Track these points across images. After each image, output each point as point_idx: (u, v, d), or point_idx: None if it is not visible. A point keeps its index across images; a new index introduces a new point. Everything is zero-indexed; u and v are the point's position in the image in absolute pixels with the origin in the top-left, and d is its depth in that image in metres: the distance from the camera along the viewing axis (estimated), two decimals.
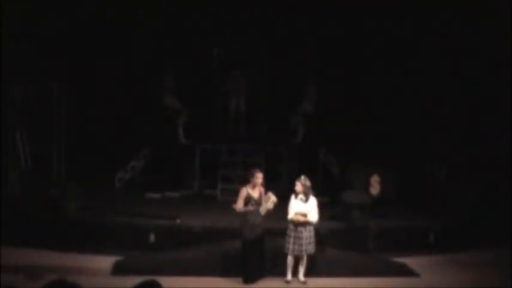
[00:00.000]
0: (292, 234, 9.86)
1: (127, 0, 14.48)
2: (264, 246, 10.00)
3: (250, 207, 9.78)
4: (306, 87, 15.24)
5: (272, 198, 9.82)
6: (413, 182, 14.03)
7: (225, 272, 10.13)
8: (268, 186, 10.43)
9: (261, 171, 10.26)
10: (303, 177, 10.05)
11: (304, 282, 9.97)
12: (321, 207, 10.24)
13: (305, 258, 9.97)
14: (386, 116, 14.80)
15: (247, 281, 9.83)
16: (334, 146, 15.08)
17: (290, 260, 9.97)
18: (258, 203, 9.82)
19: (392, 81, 14.64)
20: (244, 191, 9.87)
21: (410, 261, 11.09)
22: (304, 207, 9.91)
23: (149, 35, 14.63)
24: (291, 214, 9.88)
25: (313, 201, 9.99)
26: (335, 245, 11.16)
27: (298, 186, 9.97)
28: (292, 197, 10.02)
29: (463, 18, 13.40)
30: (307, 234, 9.88)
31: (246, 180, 10.05)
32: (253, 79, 15.50)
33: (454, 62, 13.73)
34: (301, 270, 10.02)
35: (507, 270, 9.95)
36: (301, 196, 9.94)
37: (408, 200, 13.47)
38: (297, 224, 9.85)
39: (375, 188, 13.19)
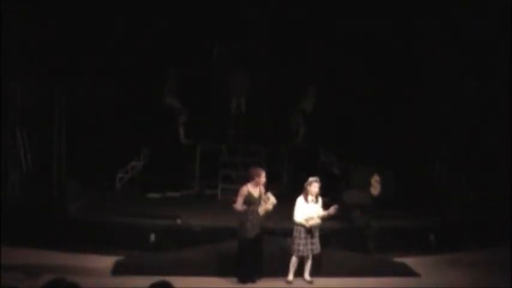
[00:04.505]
0: (304, 235, 9.77)
1: (128, 1, 14.47)
2: (262, 246, 9.99)
3: (245, 206, 9.76)
4: (306, 86, 15.26)
5: (271, 200, 9.79)
6: (413, 182, 14.04)
7: (225, 272, 10.12)
8: (268, 186, 10.41)
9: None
10: (316, 178, 9.96)
11: (311, 282, 9.96)
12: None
13: (310, 257, 9.97)
14: (386, 115, 14.81)
15: (243, 280, 9.82)
16: (334, 146, 15.08)
17: (295, 260, 9.93)
18: (258, 202, 9.81)
19: (392, 81, 14.64)
20: (245, 190, 9.82)
21: (410, 261, 11.08)
22: (316, 210, 9.87)
23: (150, 35, 14.62)
24: (306, 219, 9.72)
25: (320, 201, 9.99)
26: (335, 245, 11.16)
27: (316, 188, 9.84)
28: (301, 199, 9.84)
29: (463, 16, 13.40)
30: (318, 233, 9.90)
31: (247, 180, 10.04)
32: (254, 79, 15.50)
33: (454, 62, 13.72)
34: (308, 270, 10.00)
35: (507, 270, 9.96)
36: (312, 198, 9.88)
37: (408, 200, 13.47)
38: (311, 226, 9.82)
39: (375, 188, 13.17)
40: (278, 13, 14.91)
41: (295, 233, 9.82)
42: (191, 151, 15.01)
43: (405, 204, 13.32)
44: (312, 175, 10.14)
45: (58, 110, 13.38)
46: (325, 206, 10.07)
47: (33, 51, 12.90)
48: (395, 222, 12.21)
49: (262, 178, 9.90)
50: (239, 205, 9.77)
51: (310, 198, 9.85)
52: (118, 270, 10.22)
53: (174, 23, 14.77)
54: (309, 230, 9.80)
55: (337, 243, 11.22)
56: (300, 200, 9.86)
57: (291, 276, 9.96)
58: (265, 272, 10.02)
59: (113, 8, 14.05)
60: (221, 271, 10.16)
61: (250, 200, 9.77)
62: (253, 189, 9.86)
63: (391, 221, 12.26)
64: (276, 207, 9.85)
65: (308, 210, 9.81)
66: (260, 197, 9.83)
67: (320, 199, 9.98)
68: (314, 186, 9.83)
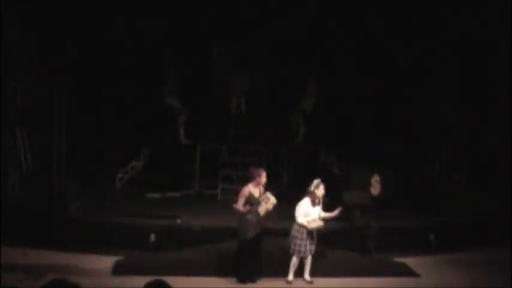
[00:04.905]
0: (305, 236, 9.79)
1: (128, 1, 14.47)
2: (262, 246, 9.98)
3: (248, 207, 9.76)
4: (306, 86, 15.25)
5: (272, 200, 9.79)
6: (413, 182, 14.03)
7: (224, 272, 10.13)
8: (268, 186, 10.42)
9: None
10: (320, 180, 9.95)
11: (311, 282, 9.97)
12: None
13: (310, 257, 9.97)
14: (386, 115, 14.80)
15: (242, 280, 9.83)
16: (334, 146, 15.08)
17: (295, 261, 9.94)
18: (258, 202, 9.81)
19: (392, 81, 14.64)
20: (247, 190, 9.81)
21: (410, 261, 11.09)
22: (318, 212, 9.87)
23: (150, 35, 14.62)
24: (309, 221, 9.74)
25: (321, 202, 9.98)
26: (335, 245, 11.16)
27: (323, 190, 9.86)
28: (307, 202, 9.83)
29: (463, 16, 13.39)
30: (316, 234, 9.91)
31: (247, 180, 10.03)
32: (254, 79, 15.49)
33: (454, 62, 13.72)
34: (308, 270, 10.01)
35: (507, 270, 9.96)
36: (317, 201, 9.87)
37: (408, 200, 13.46)
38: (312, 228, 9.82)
39: (375, 188, 13.16)
40: (278, 13, 14.90)
41: (297, 234, 9.82)
42: (191, 151, 15.00)
43: (405, 204, 13.31)
44: (312, 175, 10.14)
45: (58, 110, 13.38)
46: (326, 207, 10.07)
47: (33, 51, 12.90)
48: (395, 222, 12.21)
49: (263, 178, 9.90)
50: (241, 206, 9.77)
51: (316, 201, 9.86)
52: (118, 270, 10.22)
53: (174, 23, 14.76)
54: (310, 231, 9.81)
55: (337, 243, 11.22)
56: (306, 203, 9.84)
57: (291, 276, 9.97)
58: (265, 272, 10.02)
59: (112, 8, 14.04)
60: (221, 271, 10.17)
61: (251, 200, 9.77)
62: (254, 189, 9.86)
63: (391, 221, 12.26)
64: (276, 207, 9.85)
65: (313, 213, 9.82)
66: (261, 197, 9.82)
67: (321, 200, 10.00)
68: (321, 189, 9.86)
